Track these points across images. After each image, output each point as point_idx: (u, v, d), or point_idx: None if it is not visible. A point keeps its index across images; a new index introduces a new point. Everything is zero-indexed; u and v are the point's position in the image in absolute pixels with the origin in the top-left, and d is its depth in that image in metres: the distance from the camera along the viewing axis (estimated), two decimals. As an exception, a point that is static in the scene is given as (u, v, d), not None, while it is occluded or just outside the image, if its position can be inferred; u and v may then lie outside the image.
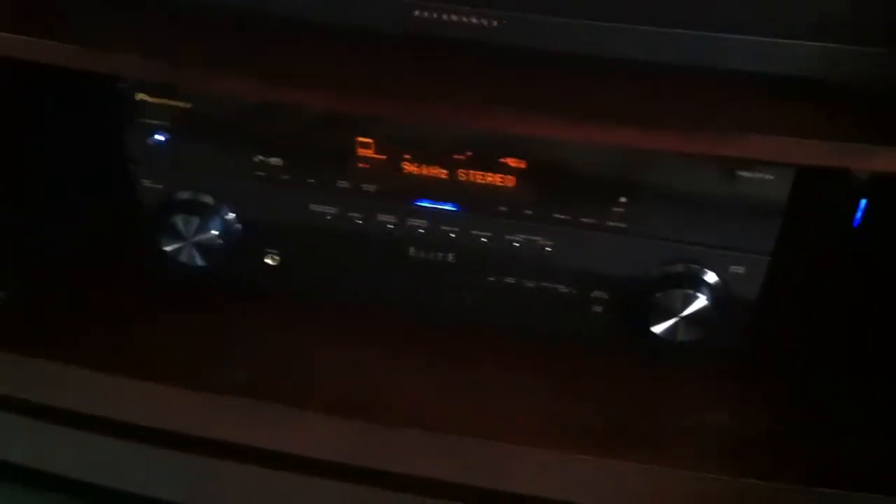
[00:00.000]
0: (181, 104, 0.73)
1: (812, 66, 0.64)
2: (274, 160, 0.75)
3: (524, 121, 0.64)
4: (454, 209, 0.75)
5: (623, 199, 0.72)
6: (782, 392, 0.78)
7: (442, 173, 0.73)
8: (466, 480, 0.75)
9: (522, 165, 0.72)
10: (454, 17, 0.66)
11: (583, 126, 0.64)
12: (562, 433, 0.74)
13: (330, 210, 0.76)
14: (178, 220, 0.77)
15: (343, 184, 0.75)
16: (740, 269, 0.73)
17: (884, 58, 0.63)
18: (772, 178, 0.69)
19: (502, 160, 0.72)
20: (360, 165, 0.74)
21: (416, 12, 0.66)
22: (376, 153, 0.73)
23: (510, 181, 0.73)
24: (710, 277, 0.74)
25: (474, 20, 0.66)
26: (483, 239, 0.76)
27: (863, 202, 0.82)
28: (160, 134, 0.75)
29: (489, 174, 0.73)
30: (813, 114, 0.63)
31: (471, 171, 0.73)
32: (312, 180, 0.75)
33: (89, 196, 0.90)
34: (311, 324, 0.81)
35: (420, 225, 0.76)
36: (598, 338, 0.78)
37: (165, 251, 0.78)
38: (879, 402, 0.76)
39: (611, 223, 0.73)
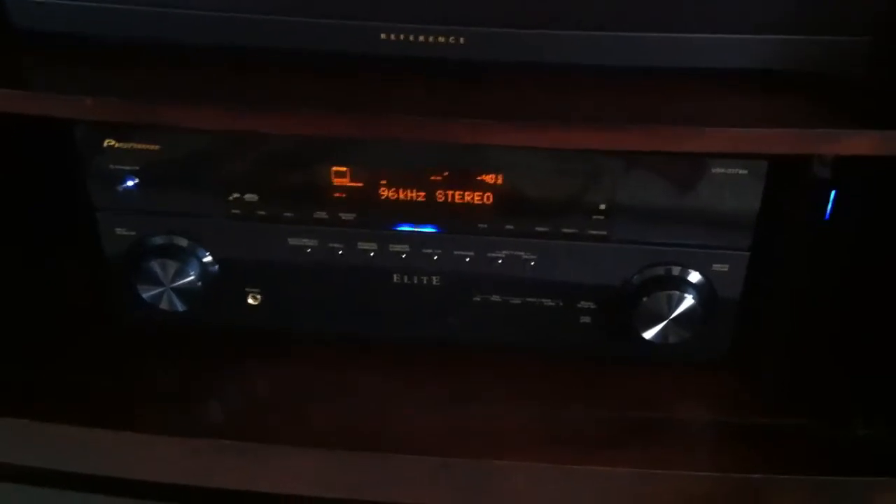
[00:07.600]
0: (150, 147, 0.72)
1: (767, 59, 0.65)
2: (249, 196, 0.74)
3: (490, 131, 0.64)
4: (435, 231, 0.75)
5: (602, 206, 0.72)
6: (772, 384, 0.79)
7: (420, 195, 0.73)
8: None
9: (500, 181, 0.72)
10: (420, 38, 0.67)
11: (545, 132, 0.64)
12: (561, 446, 0.73)
13: (309, 242, 0.75)
14: (155, 266, 0.75)
15: (321, 214, 0.74)
16: (724, 267, 0.74)
17: (832, 47, 0.65)
18: (745, 172, 0.70)
19: (479, 177, 0.72)
20: (337, 195, 0.73)
21: (383, 35, 0.67)
22: (352, 181, 0.73)
23: (488, 198, 0.73)
24: (695, 277, 0.74)
25: (441, 39, 0.67)
26: (466, 259, 0.75)
27: (832, 193, 0.83)
28: (130, 179, 0.73)
29: (467, 192, 0.73)
30: (772, 105, 0.65)
31: (448, 191, 0.73)
32: (290, 214, 0.74)
33: (59, 247, 0.89)
34: (296, 359, 0.80)
35: (402, 250, 0.75)
36: (588, 347, 0.78)
37: (143, 298, 0.76)
38: (869, 390, 0.77)
39: (592, 231, 0.73)
